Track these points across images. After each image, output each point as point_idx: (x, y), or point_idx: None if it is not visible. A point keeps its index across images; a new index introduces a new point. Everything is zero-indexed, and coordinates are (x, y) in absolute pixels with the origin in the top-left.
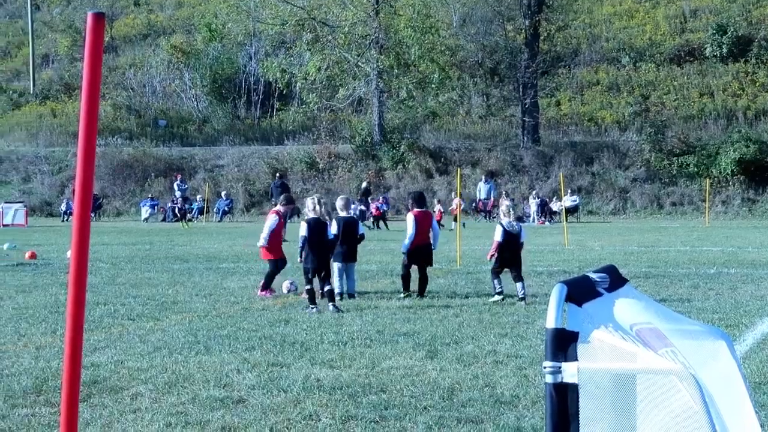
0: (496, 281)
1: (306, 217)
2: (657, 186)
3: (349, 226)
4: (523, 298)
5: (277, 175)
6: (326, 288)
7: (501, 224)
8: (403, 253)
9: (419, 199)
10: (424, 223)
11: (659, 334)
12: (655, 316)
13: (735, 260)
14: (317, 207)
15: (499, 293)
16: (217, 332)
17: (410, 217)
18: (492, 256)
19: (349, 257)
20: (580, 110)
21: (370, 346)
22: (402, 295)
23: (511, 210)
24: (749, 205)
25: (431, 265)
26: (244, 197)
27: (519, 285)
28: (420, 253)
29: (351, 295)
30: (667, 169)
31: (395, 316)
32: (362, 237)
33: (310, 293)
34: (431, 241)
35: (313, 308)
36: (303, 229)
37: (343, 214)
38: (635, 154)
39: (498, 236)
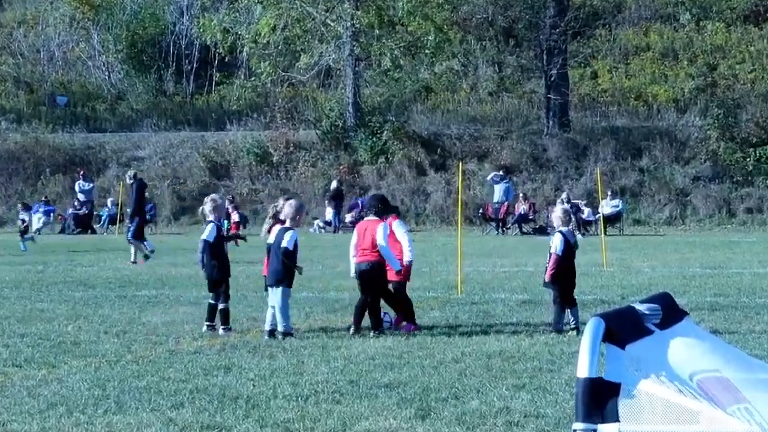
0: (561, 314)
1: (208, 219)
2: (727, 187)
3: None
4: (576, 328)
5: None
6: (222, 306)
7: (561, 233)
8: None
9: (384, 206)
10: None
11: (729, 385)
12: (723, 361)
13: None
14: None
15: (559, 331)
16: (133, 383)
17: (380, 227)
18: (552, 275)
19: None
20: (624, 85)
21: (340, 402)
22: (373, 333)
23: (571, 216)
24: None
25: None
26: (172, 201)
27: (573, 311)
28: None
29: (284, 334)
30: (741, 164)
31: (374, 361)
32: (284, 251)
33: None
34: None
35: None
36: (210, 233)
37: (286, 224)
38: (698, 144)
39: (557, 248)
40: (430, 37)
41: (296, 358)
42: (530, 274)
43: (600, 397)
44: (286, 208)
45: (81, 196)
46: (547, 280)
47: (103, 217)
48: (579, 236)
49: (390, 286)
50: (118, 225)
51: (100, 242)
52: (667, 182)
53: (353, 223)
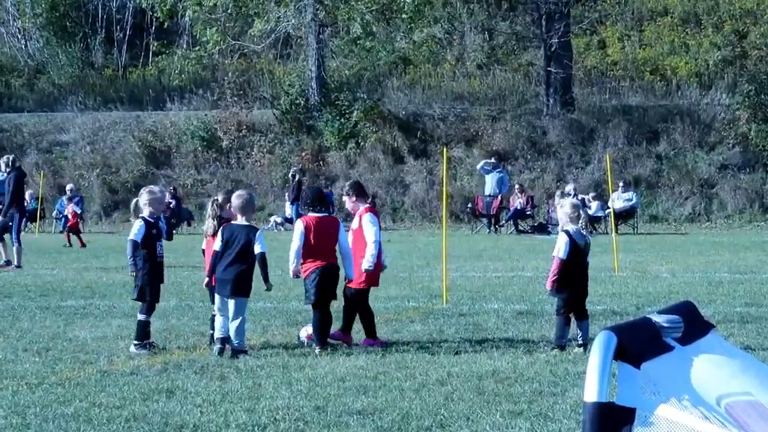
0: (564, 328)
1: (141, 215)
2: (759, 177)
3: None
4: (584, 345)
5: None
6: (141, 317)
7: (567, 232)
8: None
9: (317, 200)
10: (323, 234)
11: (763, 411)
12: (756, 382)
13: None
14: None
15: (562, 347)
16: (58, 410)
17: (299, 225)
18: (554, 282)
19: (235, 288)
20: (638, 56)
21: None
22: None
23: (580, 212)
24: None
25: (334, 298)
26: (102, 194)
27: (583, 325)
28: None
29: (236, 351)
30: None
31: (344, 383)
32: (261, 257)
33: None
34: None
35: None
36: (138, 231)
37: (239, 221)
38: (725, 127)
39: (562, 251)
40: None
41: (252, 380)
42: (528, 280)
43: (611, 425)
44: (235, 200)
45: None
46: (547, 288)
47: None
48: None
49: (346, 293)
50: (38, 222)
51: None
52: (689, 171)
53: None
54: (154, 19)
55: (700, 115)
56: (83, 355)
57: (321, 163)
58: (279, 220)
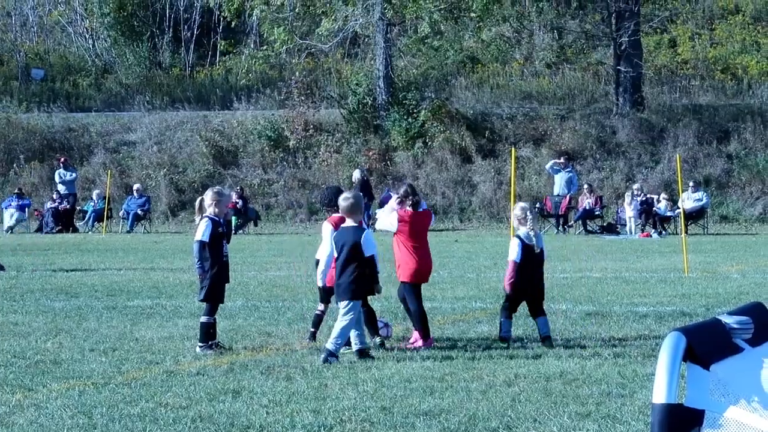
0: (505, 321)
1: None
2: None
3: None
4: (547, 338)
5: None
6: (204, 319)
7: (518, 236)
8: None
9: (336, 199)
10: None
11: None
12: None
13: None
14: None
15: (505, 338)
16: (124, 410)
17: (327, 228)
18: (511, 284)
19: (344, 291)
20: (709, 55)
21: None
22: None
23: (528, 214)
24: None
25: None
26: (169, 194)
27: (541, 321)
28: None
29: (329, 354)
30: None
31: (410, 384)
32: (370, 259)
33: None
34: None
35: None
36: (205, 231)
37: (348, 223)
38: None
39: (514, 254)
40: None
41: (318, 381)
42: (597, 281)
43: (680, 427)
44: (342, 202)
45: (61, 188)
46: (506, 290)
47: (87, 213)
48: (655, 236)
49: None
50: (105, 222)
51: (84, 242)
52: (760, 171)
53: None
54: (222, 19)
55: None
56: (149, 355)
57: (388, 162)
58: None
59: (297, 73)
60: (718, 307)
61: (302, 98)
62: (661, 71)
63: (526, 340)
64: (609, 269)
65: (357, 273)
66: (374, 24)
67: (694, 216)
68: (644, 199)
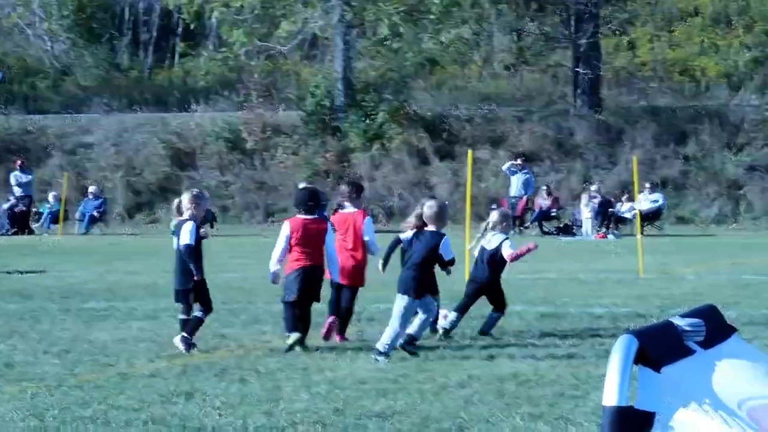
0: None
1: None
2: None
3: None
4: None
5: None
6: (198, 313)
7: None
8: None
9: (307, 202)
10: (309, 237)
11: None
12: None
13: None
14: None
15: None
16: (76, 413)
17: (284, 229)
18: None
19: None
20: (667, 57)
21: None
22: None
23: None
24: None
25: (317, 300)
26: (126, 195)
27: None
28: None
29: (410, 339)
30: None
31: (364, 385)
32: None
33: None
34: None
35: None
36: (192, 234)
37: (430, 227)
38: (755, 128)
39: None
40: (435, 0)
41: (271, 383)
42: (552, 282)
43: (630, 429)
44: (427, 210)
45: (17, 190)
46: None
47: (43, 215)
48: (611, 237)
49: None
50: (61, 224)
51: (40, 244)
52: (717, 173)
53: None
54: (181, 21)
55: (729, 116)
56: (103, 358)
57: (346, 164)
58: None
59: (255, 75)
60: (672, 309)
61: (260, 100)
62: (620, 73)
63: (480, 341)
64: (565, 270)
65: (432, 273)
66: (333, 26)
67: (650, 217)
68: (601, 200)
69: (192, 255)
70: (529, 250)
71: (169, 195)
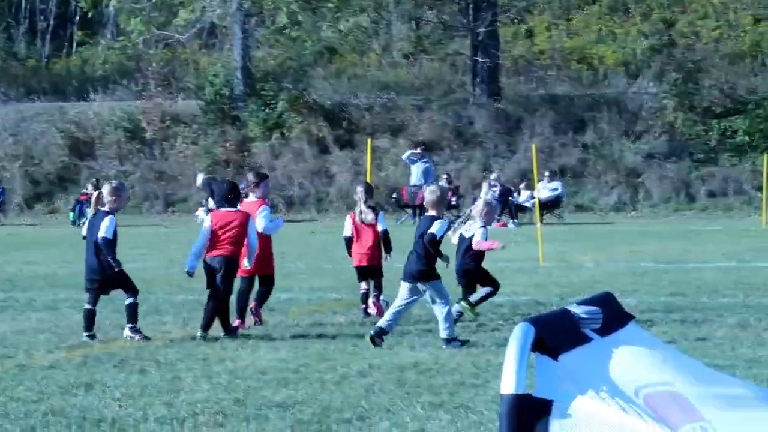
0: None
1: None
2: (686, 166)
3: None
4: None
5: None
6: (129, 300)
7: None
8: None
9: (227, 195)
10: (228, 229)
11: (683, 402)
12: (677, 373)
13: None
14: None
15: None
16: None
17: (206, 223)
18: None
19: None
20: (565, 45)
21: (224, 425)
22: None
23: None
24: None
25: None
26: (24, 185)
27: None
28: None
29: (448, 340)
30: (702, 138)
31: (265, 375)
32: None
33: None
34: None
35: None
36: (110, 227)
37: (431, 212)
38: (652, 115)
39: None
40: None
41: (171, 374)
42: (453, 271)
43: (528, 417)
44: (428, 195)
45: None
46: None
47: None
48: (511, 225)
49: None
50: None
51: None
52: (616, 161)
53: None
54: (78, 9)
55: (627, 104)
56: (2, 349)
57: (246, 154)
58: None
59: (154, 64)
60: (571, 297)
61: (159, 89)
62: (518, 61)
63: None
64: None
65: (423, 258)
66: (232, 14)
67: (549, 205)
68: (501, 189)
69: (109, 248)
70: (491, 248)
71: (68, 185)
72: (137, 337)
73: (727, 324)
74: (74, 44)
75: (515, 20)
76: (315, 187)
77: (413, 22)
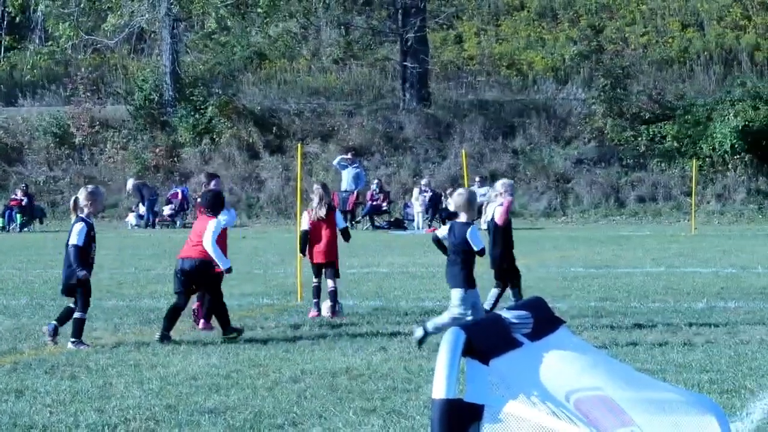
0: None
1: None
2: (615, 171)
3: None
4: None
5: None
6: (77, 314)
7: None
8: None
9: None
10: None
11: (613, 406)
12: (607, 378)
13: (736, 288)
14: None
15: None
16: None
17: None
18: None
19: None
20: (494, 51)
21: (155, 431)
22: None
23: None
24: (759, 200)
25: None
26: None
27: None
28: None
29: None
30: (632, 144)
31: (196, 381)
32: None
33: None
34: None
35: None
36: (80, 235)
37: (461, 219)
38: (581, 121)
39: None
40: None
41: (102, 380)
42: (384, 276)
43: (459, 422)
44: (456, 198)
45: None
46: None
47: None
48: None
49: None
50: None
51: None
52: (545, 166)
53: (172, 217)
54: (6, 14)
55: (556, 109)
56: None
57: (176, 159)
58: (135, 219)
59: (83, 69)
60: (502, 302)
61: (88, 94)
62: (448, 67)
63: (313, 336)
64: (396, 264)
65: (458, 264)
66: (160, 20)
67: (480, 211)
68: (432, 194)
69: (76, 255)
70: (510, 206)
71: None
72: (82, 347)
73: (657, 329)
74: (2, 49)
75: (444, 26)
76: (245, 192)
77: (342, 27)
